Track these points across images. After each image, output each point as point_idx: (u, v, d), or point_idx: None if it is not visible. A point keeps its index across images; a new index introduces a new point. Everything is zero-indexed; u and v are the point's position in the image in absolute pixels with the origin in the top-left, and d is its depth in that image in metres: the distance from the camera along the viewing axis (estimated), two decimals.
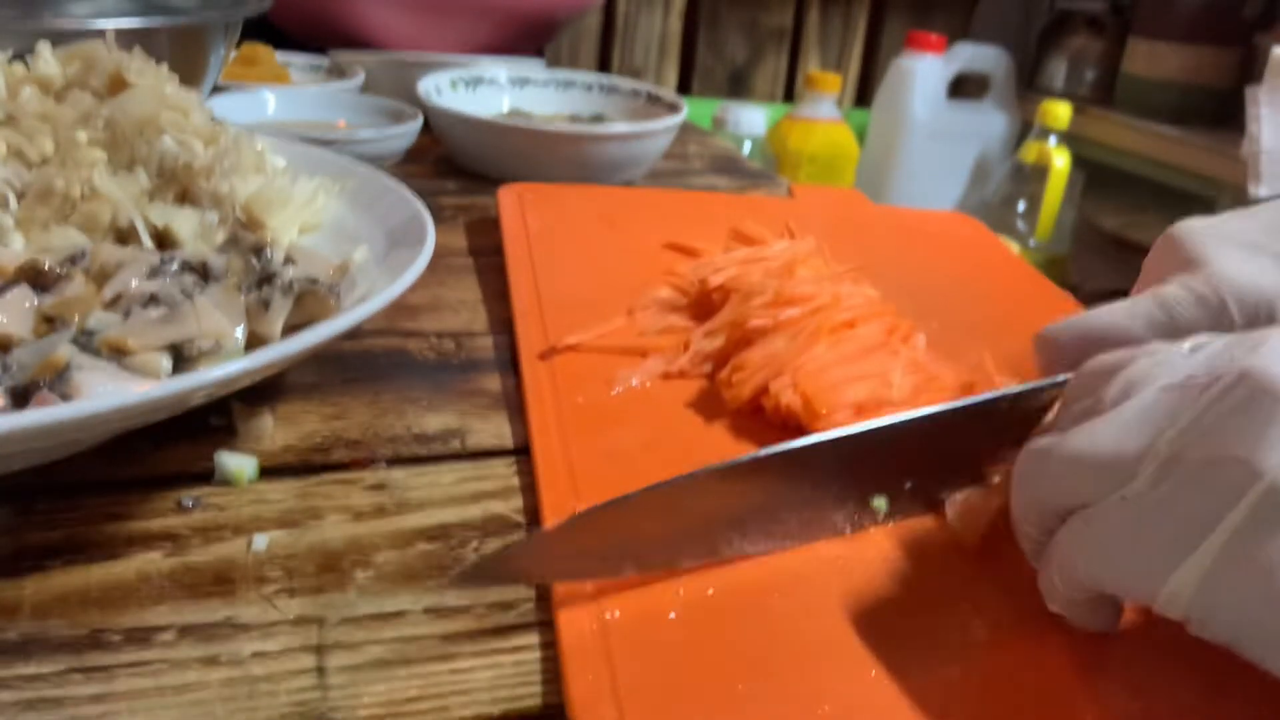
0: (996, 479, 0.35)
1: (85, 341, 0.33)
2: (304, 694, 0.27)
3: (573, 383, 0.42)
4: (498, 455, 0.39)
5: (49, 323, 0.35)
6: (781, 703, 0.27)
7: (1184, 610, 0.25)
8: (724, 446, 0.39)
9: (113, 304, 0.36)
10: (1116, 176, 1.83)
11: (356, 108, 0.79)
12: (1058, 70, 2.01)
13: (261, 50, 0.87)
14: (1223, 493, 0.24)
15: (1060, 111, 1.68)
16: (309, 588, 0.30)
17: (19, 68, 0.46)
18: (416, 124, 0.74)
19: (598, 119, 0.84)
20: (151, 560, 0.31)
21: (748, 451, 0.32)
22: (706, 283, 0.49)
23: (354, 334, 0.41)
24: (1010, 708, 0.28)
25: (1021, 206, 1.74)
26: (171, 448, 0.36)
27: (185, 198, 0.45)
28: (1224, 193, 1.61)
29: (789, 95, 2.12)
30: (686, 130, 0.98)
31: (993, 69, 1.96)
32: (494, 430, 0.40)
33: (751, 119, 1.72)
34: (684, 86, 2.05)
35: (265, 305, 0.37)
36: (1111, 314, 0.38)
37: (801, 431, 0.38)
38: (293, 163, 0.52)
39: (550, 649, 0.29)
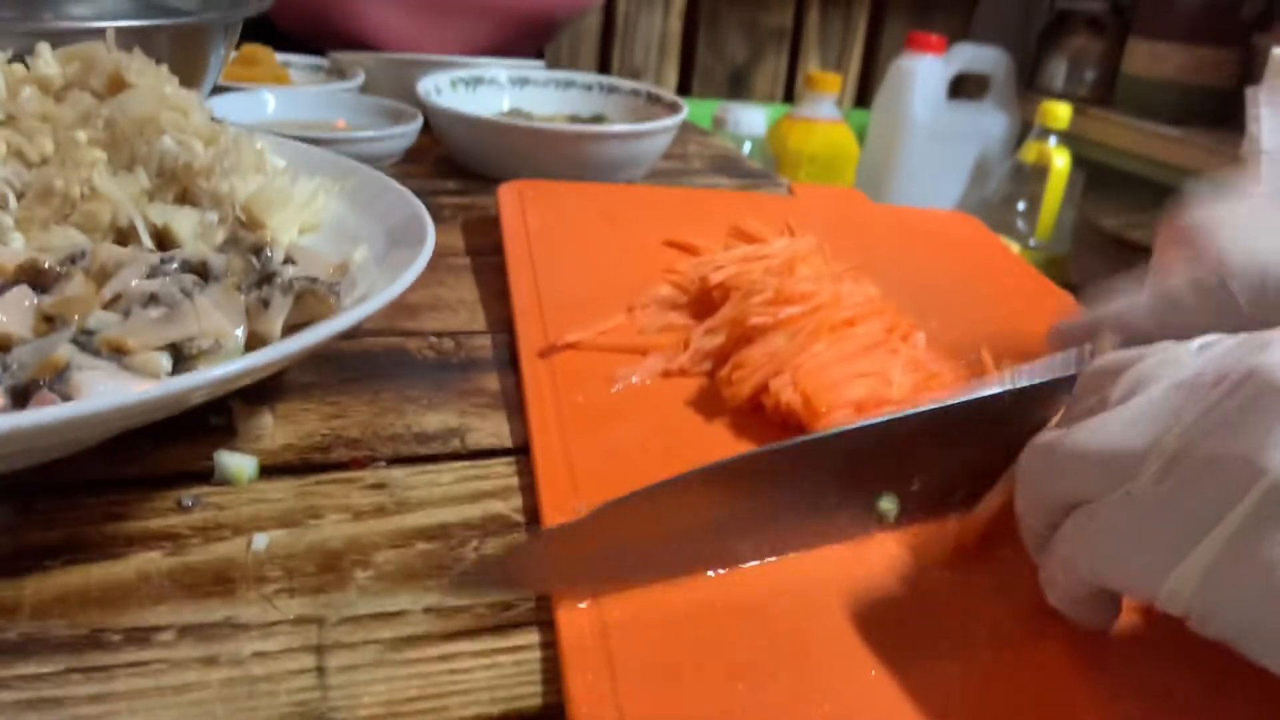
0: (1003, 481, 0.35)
1: (85, 341, 0.33)
2: (304, 694, 0.27)
3: (572, 381, 0.42)
4: (497, 454, 0.39)
5: (49, 322, 0.35)
6: (782, 703, 0.27)
7: (1185, 607, 0.25)
8: (724, 445, 0.39)
9: (112, 303, 0.36)
10: (1116, 176, 1.83)
11: (356, 108, 0.79)
12: (1058, 70, 2.01)
13: (261, 51, 0.87)
14: (1226, 490, 0.24)
15: (1060, 112, 1.68)
16: (309, 587, 0.30)
17: (19, 68, 0.46)
18: (416, 124, 0.74)
19: (598, 119, 0.84)
20: (151, 560, 0.31)
21: (748, 450, 0.32)
22: (707, 281, 0.49)
23: (353, 333, 0.41)
24: (1010, 708, 0.28)
25: (1021, 206, 1.74)
26: (171, 447, 0.36)
27: (185, 197, 0.45)
28: None
29: (789, 95, 2.12)
30: (686, 130, 0.98)
31: (993, 69, 1.96)
32: (494, 429, 0.40)
33: (751, 119, 1.72)
34: (684, 87, 2.05)
35: (265, 305, 0.37)
36: (1118, 305, 0.39)
37: (802, 430, 0.38)
38: (292, 163, 0.52)
39: (550, 649, 0.29)
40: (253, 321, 0.37)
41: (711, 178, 0.85)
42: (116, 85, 0.47)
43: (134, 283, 0.37)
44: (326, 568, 0.31)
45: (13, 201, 0.42)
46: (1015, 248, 1.55)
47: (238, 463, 0.35)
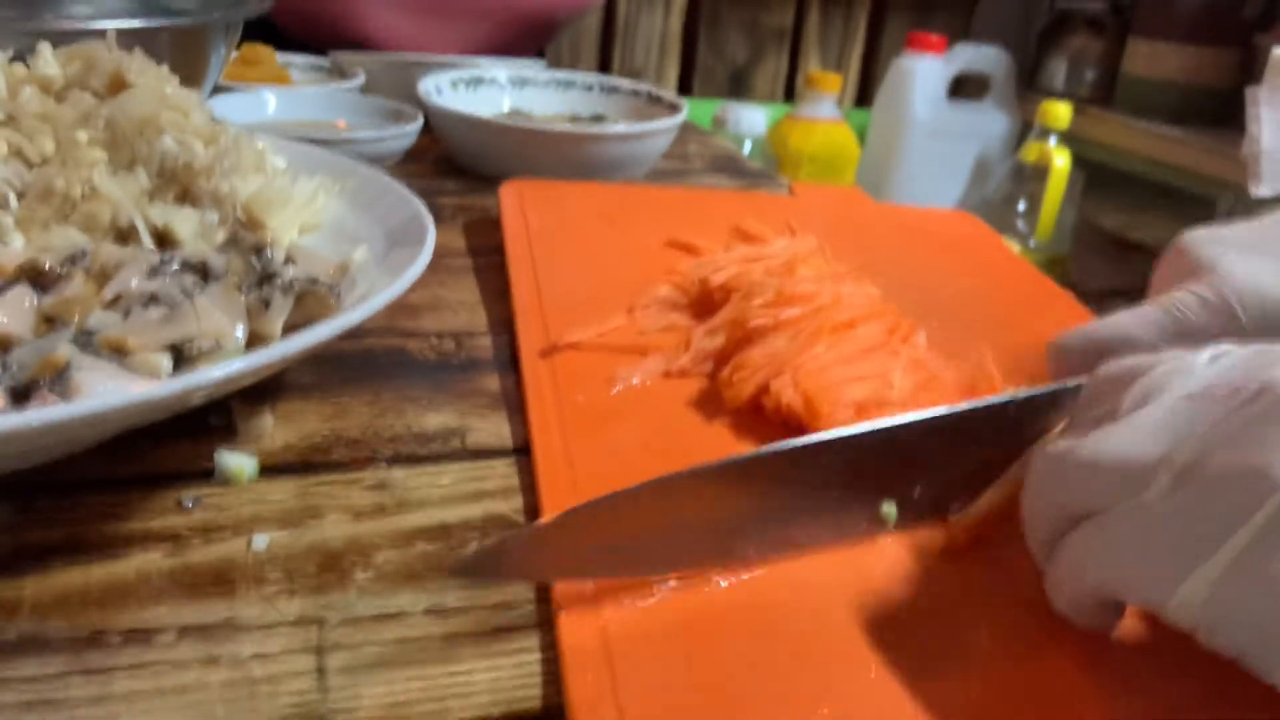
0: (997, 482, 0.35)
1: (85, 341, 0.33)
2: (304, 695, 0.27)
3: (573, 381, 0.42)
4: (498, 454, 0.39)
5: (49, 322, 0.35)
6: (781, 704, 0.27)
7: (1193, 619, 0.25)
8: (724, 446, 0.39)
9: (113, 304, 0.36)
10: (1117, 176, 1.83)
11: (357, 108, 0.79)
12: (1058, 70, 2.01)
13: (262, 51, 0.87)
14: (1238, 503, 0.24)
15: (1060, 111, 1.68)
16: (309, 588, 0.30)
17: (19, 68, 0.46)
18: (416, 124, 0.74)
19: (598, 119, 0.84)
20: (151, 560, 0.31)
21: (748, 451, 0.32)
22: (707, 281, 0.49)
23: (354, 333, 0.41)
24: (1011, 710, 0.28)
25: (1022, 206, 1.74)
26: (171, 447, 0.36)
27: (185, 197, 0.45)
28: (1224, 193, 1.61)
29: (789, 95, 2.12)
30: (687, 130, 0.98)
31: (993, 69, 1.96)
32: (494, 429, 0.40)
33: (752, 119, 1.72)
34: (684, 86, 2.05)
35: (265, 305, 0.37)
36: (1121, 322, 0.39)
37: (802, 431, 0.38)
38: (293, 163, 0.52)
39: (551, 650, 0.29)
40: (253, 322, 0.37)
41: (712, 178, 0.85)
42: (117, 85, 0.47)
43: (134, 283, 0.37)
44: (327, 568, 0.31)
45: (13, 201, 0.42)
46: (1015, 248, 1.55)
47: (238, 463, 0.35)
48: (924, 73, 1.88)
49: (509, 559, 0.30)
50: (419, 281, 0.38)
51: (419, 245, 0.41)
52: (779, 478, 0.32)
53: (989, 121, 1.98)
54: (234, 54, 0.80)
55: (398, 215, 0.46)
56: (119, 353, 0.33)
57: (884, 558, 0.33)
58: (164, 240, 0.43)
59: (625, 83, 0.87)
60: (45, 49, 0.47)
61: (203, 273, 0.39)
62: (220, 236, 0.44)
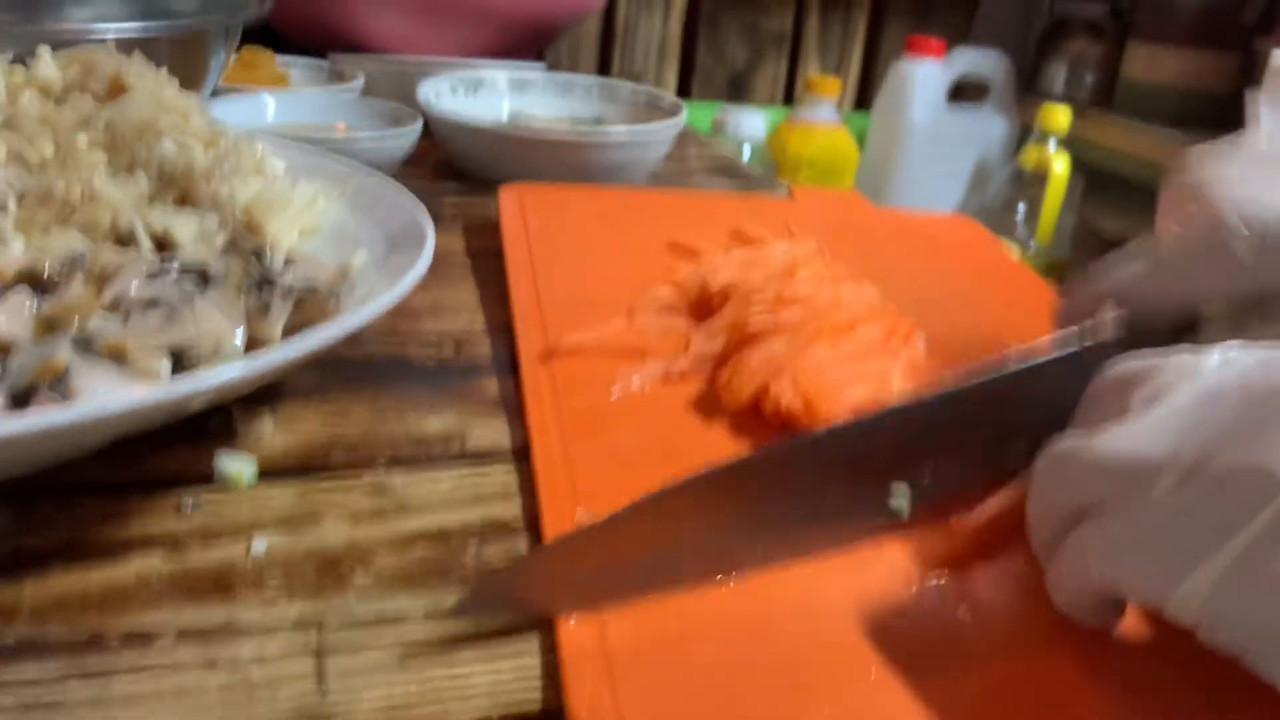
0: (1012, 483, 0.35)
1: (85, 345, 0.33)
2: (303, 698, 0.26)
3: (572, 384, 0.42)
4: (497, 458, 0.39)
5: (49, 326, 0.35)
6: (782, 706, 0.27)
7: (1194, 617, 0.25)
8: (724, 448, 0.39)
9: (112, 307, 0.36)
10: (1116, 181, 1.83)
11: (356, 111, 0.79)
12: (1057, 75, 2.02)
13: (261, 54, 0.87)
14: (1244, 502, 0.24)
15: (1060, 116, 1.68)
16: (308, 591, 0.30)
17: (19, 72, 0.46)
18: (416, 127, 0.74)
19: (598, 123, 0.84)
20: (150, 563, 0.31)
21: (742, 454, 0.32)
22: (707, 284, 0.49)
23: (353, 337, 0.41)
24: (1012, 711, 0.28)
25: (1021, 211, 1.74)
26: (170, 450, 0.36)
27: (185, 201, 0.45)
28: None
29: (789, 99, 2.12)
30: (685, 135, 0.98)
31: (992, 73, 1.96)
32: (493, 433, 0.40)
33: (751, 123, 1.72)
34: (684, 90, 2.05)
35: (265, 309, 0.37)
36: (1116, 271, 0.38)
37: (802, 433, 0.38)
38: (292, 166, 0.52)
39: (550, 652, 0.29)
40: (252, 326, 0.37)
41: (711, 182, 0.85)
42: (117, 89, 0.47)
43: (134, 287, 0.37)
44: (326, 572, 0.31)
45: (13, 205, 0.42)
46: (1015, 252, 1.55)
47: (237, 466, 0.35)
48: (923, 77, 1.88)
49: (509, 591, 0.30)
50: (419, 285, 0.38)
51: (419, 249, 0.41)
52: (778, 479, 0.32)
53: (988, 126, 1.98)
54: (233, 57, 0.80)
55: (397, 219, 0.46)
56: (118, 357, 0.33)
57: (884, 559, 0.33)
58: (163, 244, 0.43)
59: (625, 86, 0.87)
60: (45, 53, 0.48)
61: (202, 277, 0.39)
62: (220, 240, 0.44)
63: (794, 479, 0.33)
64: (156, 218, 0.43)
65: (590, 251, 0.57)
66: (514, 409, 0.42)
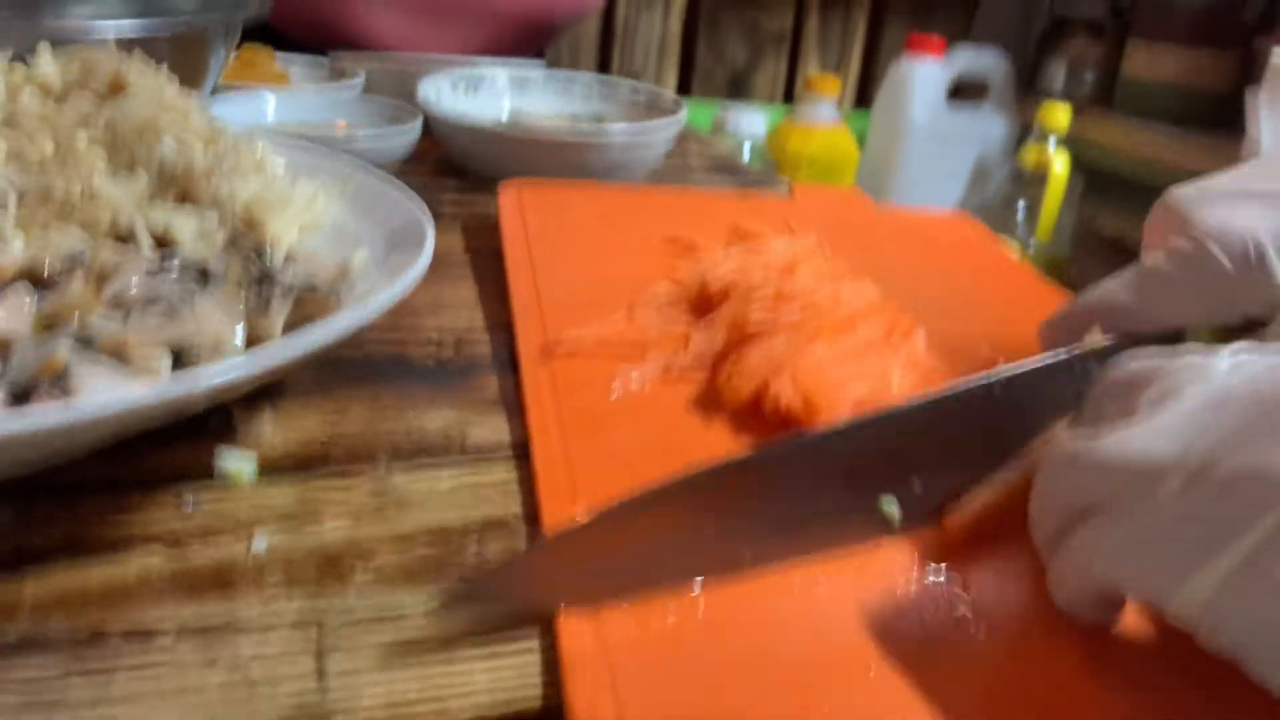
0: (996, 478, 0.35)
1: (85, 343, 0.33)
2: (303, 695, 0.27)
3: (572, 382, 0.42)
4: (497, 455, 0.39)
5: (49, 324, 0.35)
6: (782, 703, 0.27)
7: (1195, 619, 0.25)
8: (724, 446, 0.39)
9: (113, 305, 0.36)
10: (1116, 179, 1.83)
11: (356, 110, 0.79)
12: (1057, 73, 2.01)
13: (261, 52, 0.87)
14: (1249, 506, 0.24)
15: (1060, 115, 1.68)
16: (309, 589, 0.30)
17: (19, 70, 0.46)
18: (416, 126, 0.74)
19: (598, 121, 0.84)
20: (151, 561, 0.31)
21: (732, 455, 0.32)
22: (706, 281, 0.49)
23: (353, 335, 0.41)
24: (1010, 709, 0.28)
25: (1021, 209, 1.74)
26: (171, 448, 0.36)
27: (185, 199, 0.45)
28: None
29: (789, 98, 2.12)
30: (686, 133, 0.98)
31: (992, 72, 1.96)
32: (493, 430, 0.40)
33: (751, 121, 1.72)
34: (684, 89, 2.04)
35: (265, 307, 0.37)
36: (1104, 289, 0.39)
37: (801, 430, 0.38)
38: (293, 164, 0.52)
39: (550, 650, 0.29)
40: (253, 323, 0.37)
41: (711, 180, 0.85)
42: (117, 87, 0.47)
43: (134, 284, 0.37)
44: (326, 569, 0.31)
45: (13, 203, 0.41)
46: (1015, 251, 1.55)
47: (237, 464, 0.35)
48: (923, 76, 1.88)
49: (508, 587, 0.30)
50: (419, 283, 0.38)
51: (419, 247, 0.41)
52: (770, 480, 0.32)
53: (988, 124, 1.98)
54: (233, 56, 0.80)
55: (397, 217, 0.46)
56: (119, 355, 0.33)
57: (881, 557, 0.33)
58: (164, 242, 0.43)
59: (625, 84, 0.87)
60: (45, 51, 0.47)
61: (202, 275, 0.39)
62: (220, 238, 0.44)
63: (786, 481, 0.33)
64: (156, 216, 0.43)
65: (590, 249, 0.57)
66: (514, 407, 0.42)
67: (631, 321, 0.48)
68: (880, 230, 0.66)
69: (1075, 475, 0.29)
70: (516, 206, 0.61)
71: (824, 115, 1.79)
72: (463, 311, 0.51)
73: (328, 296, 0.38)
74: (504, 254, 0.55)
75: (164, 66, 0.49)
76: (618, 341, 0.46)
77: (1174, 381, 0.28)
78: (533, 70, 0.89)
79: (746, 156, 1.67)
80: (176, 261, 0.39)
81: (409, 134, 0.73)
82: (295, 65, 0.90)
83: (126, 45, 0.49)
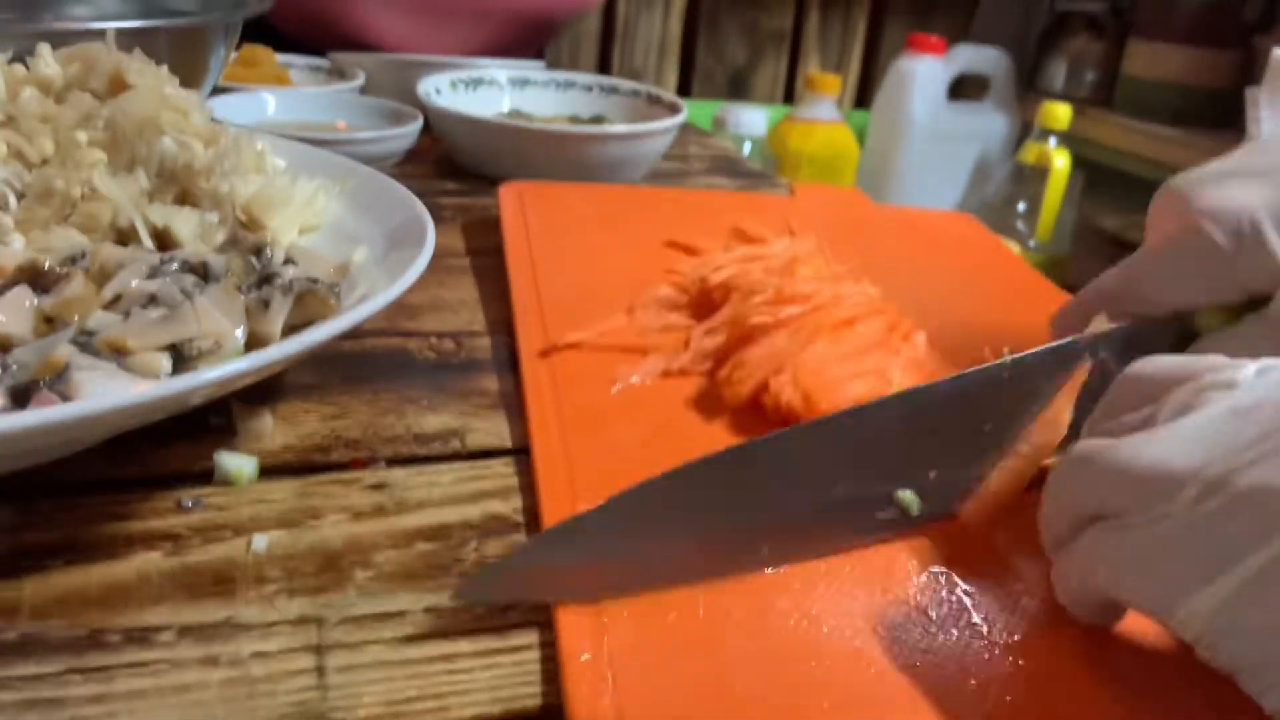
0: (1004, 463, 0.35)
1: (85, 341, 0.33)
2: (303, 694, 0.27)
3: (572, 381, 0.42)
4: (497, 455, 0.39)
5: (49, 323, 0.35)
6: (782, 702, 0.27)
7: (1196, 634, 0.25)
8: (724, 444, 0.39)
9: (113, 304, 0.36)
10: (1116, 178, 1.83)
11: (356, 109, 0.79)
12: (1058, 72, 2.01)
13: (261, 52, 0.87)
14: (1260, 523, 0.24)
15: (1060, 113, 1.68)
16: (309, 588, 0.30)
17: (19, 69, 0.46)
18: (416, 125, 0.74)
19: (598, 120, 0.84)
20: (151, 560, 0.31)
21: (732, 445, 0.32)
22: (707, 281, 0.49)
23: (354, 334, 0.41)
24: (1012, 705, 0.28)
25: (1021, 208, 1.74)
26: (171, 447, 0.36)
27: (185, 198, 0.45)
28: None
29: (789, 97, 2.12)
30: (686, 131, 0.98)
31: (993, 70, 1.96)
32: (493, 430, 0.40)
33: (752, 120, 1.72)
34: (684, 88, 2.05)
35: (265, 305, 0.37)
36: (1105, 279, 0.39)
37: None
38: (293, 163, 0.52)
39: (550, 649, 0.29)
40: (253, 322, 0.37)
41: (711, 179, 0.85)
42: (117, 86, 0.47)
43: (134, 283, 0.37)
44: (326, 568, 0.31)
45: (13, 202, 0.42)
46: (1015, 249, 1.55)
47: (238, 463, 0.35)
48: (923, 74, 1.88)
49: (510, 579, 0.30)
50: (419, 282, 0.38)
51: (419, 246, 0.41)
52: (776, 472, 0.32)
53: (989, 123, 1.98)
54: (233, 55, 0.80)
55: (397, 216, 0.46)
56: (119, 353, 0.33)
57: (883, 553, 0.33)
58: (164, 241, 0.43)
59: (625, 84, 0.87)
60: (45, 50, 0.47)
61: (203, 273, 0.39)
62: (220, 237, 0.44)
63: (797, 470, 0.33)
64: (157, 215, 0.43)
65: (590, 249, 0.57)
66: (514, 406, 0.42)
67: (632, 321, 0.48)
68: (880, 229, 0.66)
69: (1089, 478, 0.28)
70: (517, 204, 0.61)
71: (824, 114, 1.80)
72: (462, 311, 0.51)
73: (328, 295, 0.38)
74: (505, 253, 0.55)
75: (164, 66, 0.49)
76: (618, 340, 0.46)
77: (1198, 388, 0.28)
78: (532, 70, 0.89)
79: (746, 155, 1.67)
80: (177, 260, 0.39)
81: (409, 133, 0.73)
82: (295, 65, 0.90)
83: (127, 44, 0.49)
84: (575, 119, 0.85)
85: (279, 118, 0.76)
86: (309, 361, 0.43)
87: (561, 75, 0.88)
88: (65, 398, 0.30)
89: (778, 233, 0.59)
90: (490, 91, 0.85)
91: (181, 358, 0.34)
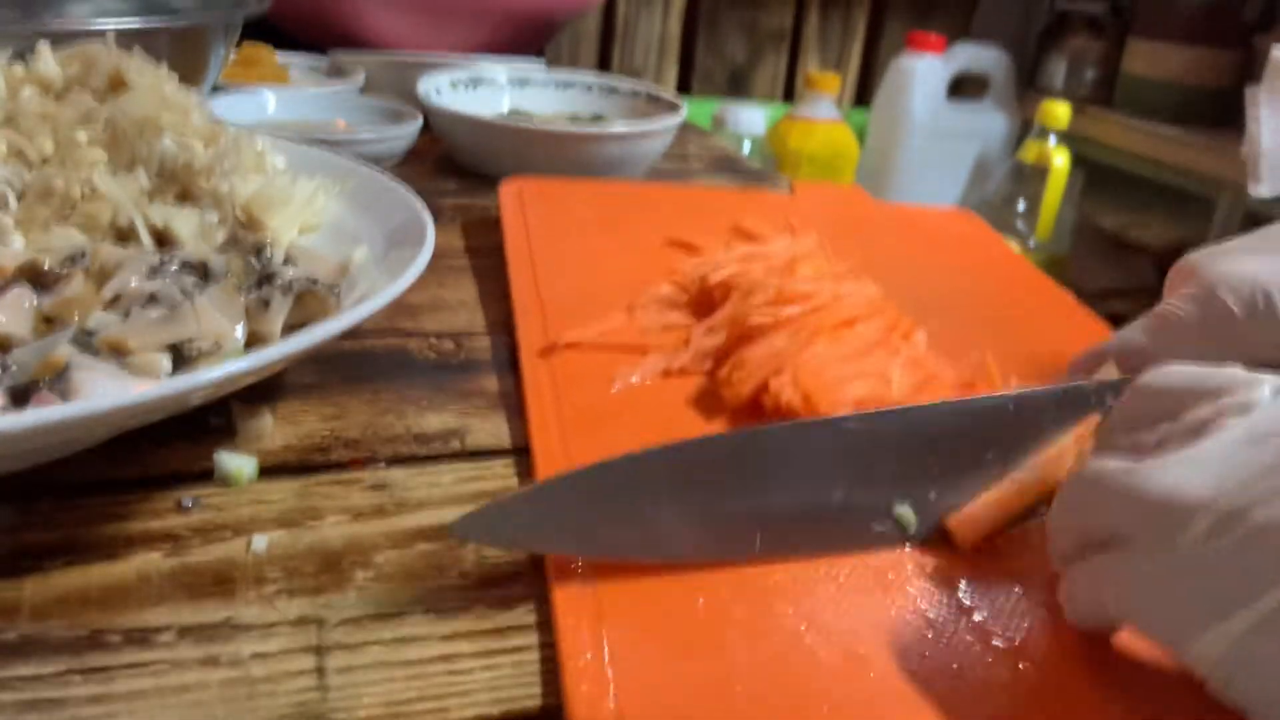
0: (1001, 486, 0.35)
1: (85, 341, 0.33)
2: (303, 694, 0.27)
3: (572, 381, 0.42)
4: (497, 455, 0.39)
5: (49, 323, 0.35)
6: (780, 703, 0.27)
7: (1208, 670, 0.25)
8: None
9: (112, 304, 0.36)
10: (1116, 176, 1.83)
11: (356, 108, 0.79)
12: (1057, 70, 2.01)
13: (261, 51, 0.87)
14: (1277, 559, 0.23)
15: (1060, 111, 1.68)
16: (308, 588, 0.30)
17: (19, 68, 0.46)
18: (416, 124, 0.74)
19: (597, 119, 0.84)
20: (151, 560, 0.31)
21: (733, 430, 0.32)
22: (707, 280, 0.49)
23: (354, 334, 0.41)
24: (1010, 710, 0.28)
25: (1021, 206, 1.74)
26: (171, 448, 0.36)
27: (185, 198, 0.45)
28: (1223, 193, 1.61)
29: (789, 96, 2.12)
30: (686, 130, 0.98)
31: (992, 69, 1.96)
32: (493, 430, 0.40)
33: (751, 119, 1.72)
34: (684, 87, 2.04)
35: (265, 305, 0.37)
36: (1122, 333, 0.40)
37: None
38: (292, 163, 0.52)
39: (549, 649, 0.29)
40: (253, 322, 0.37)
41: (711, 177, 0.85)
42: (117, 85, 0.47)
43: (134, 283, 0.37)
44: (326, 568, 0.31)
45: (13, 202, 0.41)
46: (1015, 247, 1.55)
47: (237, 463, 0.35)
48: (923, 73, 1.88)
49: (505, 522, 0.30)
50: (418, 282, 0.38)
51: (418, 245, 0.41)
52: (778, 464, 0.32)
53: (988, 121, 1.98)
54: (233, 54, 0.80)
55: (397, 215, 0.46)
56: (119, 353, 0.33)
57: (885, 559, 0.33)
58: (164, 240, 0.43)
59: (625, 83, 0.87)
60: (45, 49, 0.47)
61: (202, 273, 0.39)
62: (220, 237, 0.44)
63: (796, 463, 0.33)
64: (157, 214, 0.43)
65: (591, 247, 0.57)
66: (514, 405, 0.42)
67: (632, 320, 0.48)
68: (881, 227, 0.66)
69: (1100, 499, 0.28)
70: (517, 203, 0.61)
71: (824, 112, 1.79)
72: (462, 310, 0.51)
73: (328, 294, 0.38)
74: (505, 251, 0.54)
75: (164, 64, 0.49)
76: (618, 340, 0.45)
77: (1213, 410, 0.27)
78: (532, 69, 0.89)
79: (746, 154, 1.67)
80: (177, 260, 0.39)
81: (408, 133, 0.73)
82: (295, 64, 0.90)
83: (127, 43, 0.49)
84: (575, 118, 0.85)
85: (279, 117, 0.76)
86: (309, 361, 0.43)
87: (561, 74, 0.88)
88: (65, 398, 0.30)
89: (778, 231, 0.59)
90: (490, 91, 0.85)
91: (181, 358, 0.34)
